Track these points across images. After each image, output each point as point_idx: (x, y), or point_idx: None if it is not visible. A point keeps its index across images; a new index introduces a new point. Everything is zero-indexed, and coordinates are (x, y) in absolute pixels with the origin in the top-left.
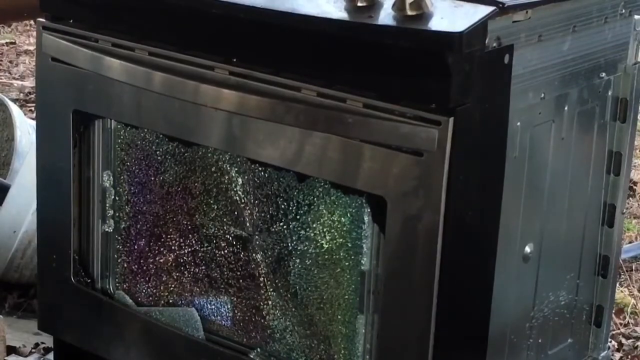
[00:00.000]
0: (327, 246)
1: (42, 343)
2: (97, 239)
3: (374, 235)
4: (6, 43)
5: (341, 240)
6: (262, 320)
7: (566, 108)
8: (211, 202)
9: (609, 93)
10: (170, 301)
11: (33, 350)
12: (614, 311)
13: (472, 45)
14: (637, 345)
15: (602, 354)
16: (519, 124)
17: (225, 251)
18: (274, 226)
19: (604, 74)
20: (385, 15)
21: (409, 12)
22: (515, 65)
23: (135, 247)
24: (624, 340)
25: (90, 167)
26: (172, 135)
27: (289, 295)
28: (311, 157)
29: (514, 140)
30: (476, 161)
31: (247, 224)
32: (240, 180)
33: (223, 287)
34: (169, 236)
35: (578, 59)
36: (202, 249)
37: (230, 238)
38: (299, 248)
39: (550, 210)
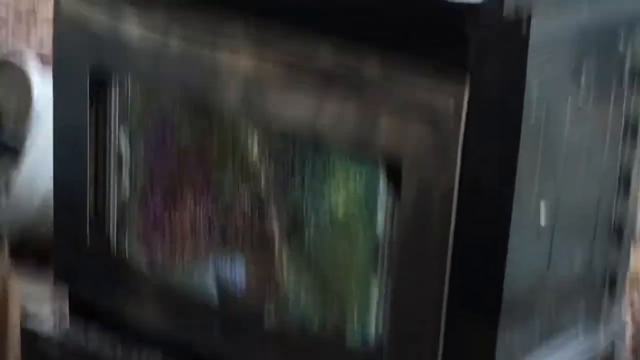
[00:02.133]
0: (342, 211)
1: (58, 305)
2: (113, 198)
3: (388, 202)
4: (25, 11)
5: (356, 205)
6: (277, 283)
7: (583, 77)
8: (227, 164)
9: (627, 63)
10: (185, 262)
11: (49, 311)
12: (628, 281)
13: (490, 14)
14: None
15: (615, 324)
16: (535, 93)
17: (241, 213)
18: (289, 189)
19: (622, 43)
20: None
21: None
22: (533, 34)
23: (152, 206)
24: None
25: (107, 126)
26: (189, 95)
27: (303, 258)
28: (327, 120)
29: (530, 110)
30: (492, 128)
31: (263, 187)
32: (256, 142)
33: (238, 250)
34: (184, 196)
35: (596, 29)
36: (217, 212)
37: (246, 201)
38: (313, 212)
39: (566, 177)
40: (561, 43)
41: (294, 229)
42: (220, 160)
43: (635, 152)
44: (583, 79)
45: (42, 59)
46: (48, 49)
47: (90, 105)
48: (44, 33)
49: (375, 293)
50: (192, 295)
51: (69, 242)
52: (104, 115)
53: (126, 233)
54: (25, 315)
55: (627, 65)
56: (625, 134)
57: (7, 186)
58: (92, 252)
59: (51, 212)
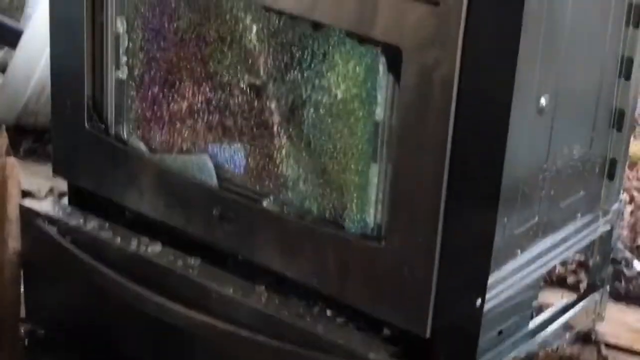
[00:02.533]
0: (341, 96)
1: (57, 188)
2: (110, 85)
3: (388, 86)
4: None
5: (355, 90)
6: (275, 169)
7: None
8: (225, 49)
9: None
10: (184, 148)
11: (48, 195)
12: (627, 165)
13: None
14: None
15: (614, 207)
16: None
17: (239, 99)
18: (288, 75)
19: None
20: None
21: None
22: None
23: (149, 93)
24: (635, 194)
25: (103, 13)
26: None
27: (302, 144)
28: (327, 4)
29: None
30: (494, 12)
31: (261, 72)
32: (254, 27)
33: (237, 135)
34: (182, 83)
35: None
36: (215, 97)
37: (244, 86)
38: (312, 97)
39: (567, 62)
40: None
41: (293, 113)
42: (219, 44)
43: (638, 35)
44: None
45: None
46: None
47: None
48: None
49: (374, 178)
50: (191, 181)
51: (66, 128)
52: (100, 1)
53: (124, 118)
54: (24, 195)
55: None
56: (628, 16)
57: (3, 68)
58: (90, 138)
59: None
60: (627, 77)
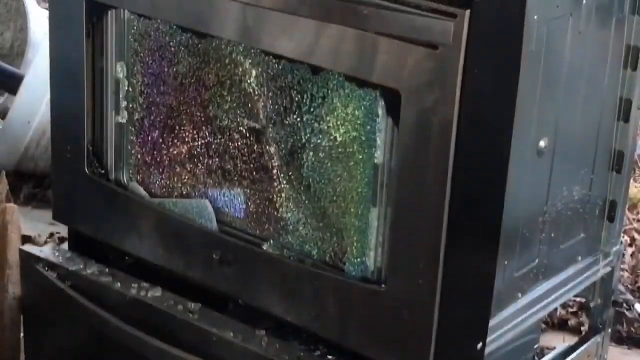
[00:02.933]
0: (340, 139)
1: (57, 233)
2: (111, 130)
3: (387, 129)
4: None
5: (355, 133)
6: (275, 213)
7: (584, 1)
8: (225, 94)
9: None
10: (184, 193)
11: (48, 240)
12: (627, 207)
13: None
14: None
15: (615, 249)
16: (536, 17)
17: (239, 143)
18: (288, 119)
19: None
20: None
21: None
22: None
23: (149, 138)
24: (636, 236)
25: (103, 58)
26: (186, 26)
27: (302, 188)
28: (326, 49)
29: (531, 34)
30: (492, 55)
31: (261, 117)
32: (254, 72)
33: (236, 179)
34: (182, 128)
35: None
36: (215, 141)
37: (244, 130)
38: (312, 141)
39: (566, 104)
40: None
41: (293, 157)
42: (218, 88)
43: (637, 76)
44: (584, 3)
45: None
46: None
47: (87, 36)
48: None
49: (374, 221)
50: (191, 226)
51: (67, 173)
52: (100, 47)
53: (124, 163)
54: (24, 241)
55: None
56: (626, 59)
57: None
58: (90, 183)
59: (49, 142)
60: (626, 119)
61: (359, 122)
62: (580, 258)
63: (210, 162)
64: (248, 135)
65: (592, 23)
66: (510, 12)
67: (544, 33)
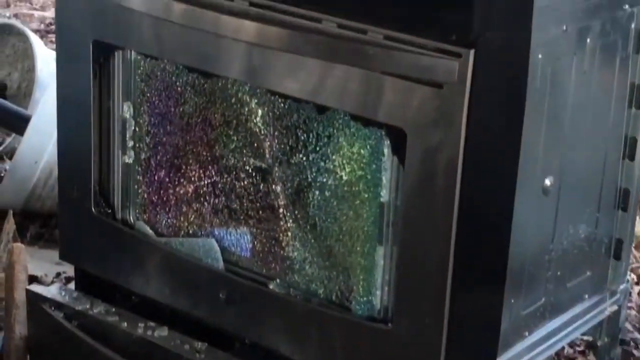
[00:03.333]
0: (346, 178)
1: (64, 272)
2: (117, 170)
3: (393, 168)
4: None
5: (360, 172)
6: (282, 252)
7: (588, 40)
8: (231, 133)
9: (632, 25)
10: (190, 232)
11: (54, 280)
12: (633, 244)
13: None
14: None
15: (621, 287)
16: (540, 56)
17: (245, 182)
18: (294, 158)
19: (627, 6)
20: None
21: None
22: None
23: (156, 178)
24: None
25: (110, 98)
26: (192, 66)
27: (308, 227)
28: (331, 88)
29: (535, 73)
30: (497, 94)
31: (267, 156)
32: (260, 111)
33: (243, 218)
34: (188, 167)
35: None
36: (221, 180)
37: (250, 169)
38: (318, 180)
39: (571, 143)
40: (566, 4)
41: (299, 196)
42: (224, 128)
43: None
44: (588, 42)
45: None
46: (50, 11)
47: (94, 78)
48: None
49: (380, 260)
50: (198, 265)
51: (73, 213)
52: (107, 86)
53: (131, 202)
54: (31, 280)
55: (633, 27)
56: (630, 97)
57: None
58: (97, 222)
59: (55, 182)
60: (631, 157)
61: (364, 160)
62: (586, 296)
63: (217, 201)
64: (254, 174)
65: (596, 62)
66: (515, 51)
67: (548, 72)
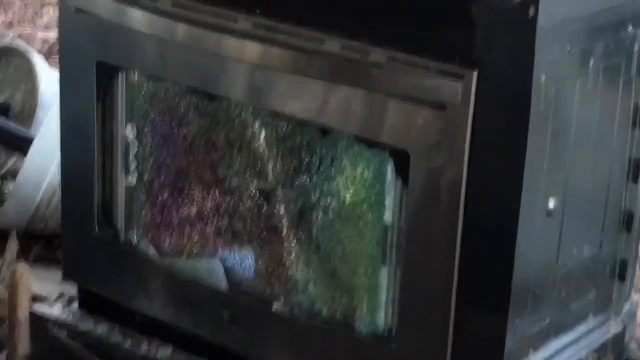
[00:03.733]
0: (350, 199)
1: (67, 292)
2: (120, 191)
3: (396, 189)
4: None
5: (364, 193)
6: (285, 272)
7: (592, 62)
8: (234, 154)
9: (636, 47)
10: (194, 252)
11: (58, 299)
12: (638, 265)
13: None
14: None
15: (626, 307)
16: (543, 77)
17: (248, 204)
18: (297, 179)
19: (631, 27)
20: None
21: None
22: (541, 18)
23: (159, 199)
24: None
25: (113, 119)
26: (196, 87)
27: (311, 248)
28: (334, 110)
29: (538, 94)
30: (500, 115)
31: (270, 177)
32: (263, 133)
33: (246, 239)
34: (192, 188)
35: (605, 12)
36: (225, 202)
37: (253, 191)
38: (321, 201)
39: (574, 165)
40: (569, 25)
41: (302, 217)
42: (228, 149)
43: None
44: (592, 63)
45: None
46: (54, 32)
47: (97, 99)
48: (51, 15)
49: (384, 281)
50: (201, 285)
51: (77, 233)
52: (110, 108)
53: (134, 223)
54: (34, 300)
55: (636, 49)
56: (634, 119)
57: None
58: (100, 243)
59: (59, 202)
60: (635, 179)
61: (368, 182)
62: (591, 316)
63: (220, 222)
64: (257, 195)
65: (599, 83)
66: (518, 72)
67: (551, 93)
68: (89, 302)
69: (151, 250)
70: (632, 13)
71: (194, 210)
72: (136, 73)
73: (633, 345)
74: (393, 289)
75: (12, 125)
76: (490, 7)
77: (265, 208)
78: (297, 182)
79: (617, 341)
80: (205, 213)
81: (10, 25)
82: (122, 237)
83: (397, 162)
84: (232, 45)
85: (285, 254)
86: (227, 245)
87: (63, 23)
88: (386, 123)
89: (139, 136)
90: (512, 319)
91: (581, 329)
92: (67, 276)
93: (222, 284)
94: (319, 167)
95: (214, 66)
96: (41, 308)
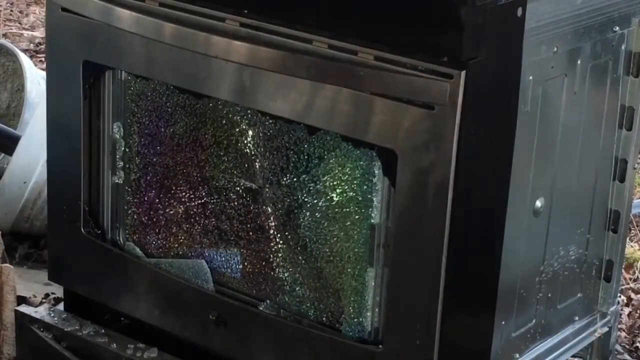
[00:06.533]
0: (337, 199)
1: (53, 293)
2: (107, 191)
3: (384, 189)
4: None
5: (351, 193)
6: (272, 273)
7: (579, 62)
8: (221, 154)
9: (622, 47)
10: (180, 253)
11: (43, 301)
12: (623, 266)
13: None
14: None
15: (611, 309)
16: (531, 77)
17: (235, 203)
18: (284, 179)
19: (617, 28)
20: None
21: None
22: (528, 19)
23: (145, 198)
24: (633, 295)
25: (100, 119)
26: (183, 87)
27: (298, 248)
28: (322, 109)
29: (526, 94)
30: (488, 115)
31: (257, 177)
32: (250, 132)
33: (233, 239)
34: (179, 188)
35: (591, 12)
36: (212, 201)
37: (241, 190)
38: (309, 201)
39: (561, 164)
40: (556, 26)
41: (289, 217)
42: (215, 148)
43: (632, 135)
44: (579, 64)
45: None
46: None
47: (84, 98)
48: (38, 14)
49: (371, 281)
50: (187, 286)
51: (63, 233)
52: (97, 107)
53: (120, 223)
54: (19, 301)
55: (623, 49)
56: (621, 117)
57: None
58: (86, 243)
59: (44, 202)
60: (622, 179)
61: (355, 182)
62: (577, 318)
63: (207, 222)
64: (244, 195)
65: (586, 83)
66: (506, 73)
67: (539, 93)
68: (75, 304)
69: (137, 251)
70: (619, 14)
71: (180, 210)
72: (123, 72)
73: (618, 347)
74: (380, 289)
75: None
76: (478, 8)
77: (252, 208)
78: (284, 182)
79: (603, 343)
80: (192, 213)
81: None
82: (108, 237)
83: (385, 161)
84: (219, 44)
85: (271, 254)
86: (214, 245)
87: (50, 22)
88: (373, 123)
89: (125, 135)
90: (499, 320)
91: (567, 330)
92: (53, 278)
93: (208, 284)
94: (306, 166)
95: (201, 65)
96: (27, 309)
